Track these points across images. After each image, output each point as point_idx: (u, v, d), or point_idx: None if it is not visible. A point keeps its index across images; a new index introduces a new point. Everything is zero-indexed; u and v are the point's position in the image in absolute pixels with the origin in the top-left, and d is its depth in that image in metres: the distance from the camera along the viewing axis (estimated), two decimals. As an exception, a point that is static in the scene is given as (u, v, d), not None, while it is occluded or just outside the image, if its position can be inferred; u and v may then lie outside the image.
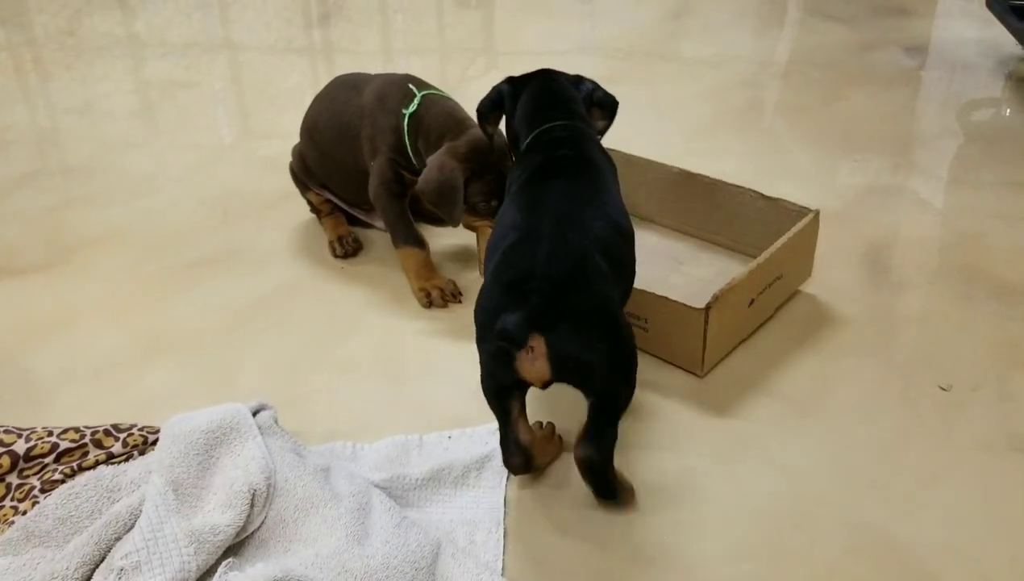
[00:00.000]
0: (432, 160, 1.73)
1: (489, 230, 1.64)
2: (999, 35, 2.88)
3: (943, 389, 1.56)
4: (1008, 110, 2.63)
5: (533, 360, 1.20)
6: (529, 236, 1.29)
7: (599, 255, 1.29)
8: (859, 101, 2.63)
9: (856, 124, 2.50)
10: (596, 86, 1.63)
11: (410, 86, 1.83)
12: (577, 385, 1.27)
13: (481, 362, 1.29)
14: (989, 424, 1.50)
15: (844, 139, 2.42)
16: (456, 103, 1.85)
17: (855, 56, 2.92)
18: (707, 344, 1.55)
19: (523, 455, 1.33)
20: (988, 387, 1.57)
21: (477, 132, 1.74)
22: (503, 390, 1.29)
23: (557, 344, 1.20)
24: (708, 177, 1.88)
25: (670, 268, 1.87)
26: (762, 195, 1.81)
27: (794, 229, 1.68)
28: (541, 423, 1.46)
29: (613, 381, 1.27)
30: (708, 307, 1.51)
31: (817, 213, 1.73)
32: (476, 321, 1.28)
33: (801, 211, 1.74)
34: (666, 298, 1.56)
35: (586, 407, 1.29)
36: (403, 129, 1.79)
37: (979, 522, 1.33)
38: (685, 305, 1.54)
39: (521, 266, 1.24)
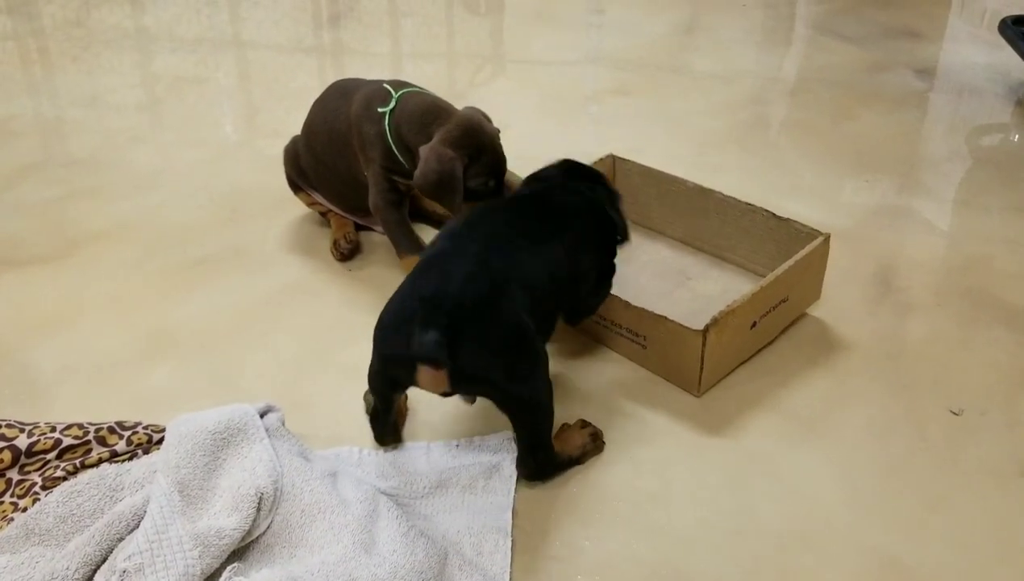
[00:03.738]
0: (426, 151, 1.67)
1: None
2: (1008, 60, 2.89)
3: (954, 413, 1.56)
4: (1017, 136, 2.63)
5: (434, 374, 1.26)
6: (456, 251, 1.35)
7: (518, 286, 1.31)
8: (868, 121, 2.63)
9: (865, 144, 2.50)
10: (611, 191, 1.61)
11: (386, 87, 1.80)
12: (486, 396, 1.35)
13: (375, 362, 1.34)
14: (997, 449, 1.49)
15: (853, 159, 2.42)
16: (436, 96, 1.80)
17: (865, 76, 2.93)
18: (704, 365, 1.53)
19: (395, 435, 1.46)
20: (996, 412, 1.57)
21: (464, 114, 1.71)
22: (395, 386, 1.38)
23: (460, 365, 1.24)
24: (721, 193, 1.88)
25: (677, 282, 1.87)
26: (774, 215, 1.80)
27: (802, 252, 1.66)
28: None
29: (517, 402, 1.33)
30: (707, 329, 1.49)
31: (827, 237, 1.71)
32: (381, 324, 1.31)
33: (811, 234, 1.73)
34: (665, 318, 1.54)
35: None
36: (385, 130, 1.75)
37: (986, 547, 1.32)
38: (683, 326, 1.52)
39: (438, 281, 1.29)
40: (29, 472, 1.30)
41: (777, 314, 1.67)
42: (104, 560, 1.16)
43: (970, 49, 3.16)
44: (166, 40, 3.26)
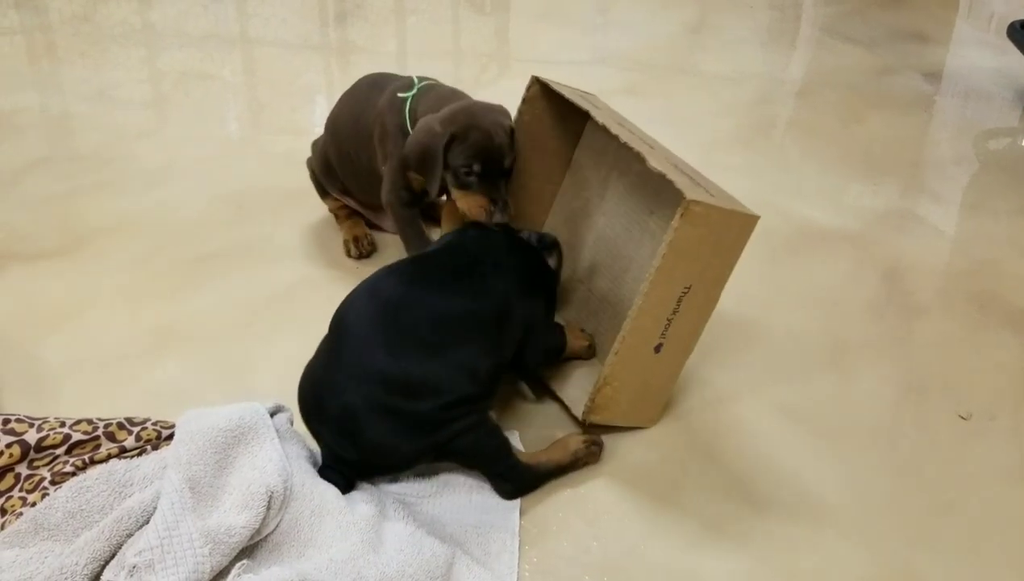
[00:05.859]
0: (420, 122, 1.67)
1: (458, 204, 1.64)
2: (1015, 64, 2.89)
3: (963, 417, 1.56)
4: (1024, 140, 2.64)
5: None
6: (339, 345, 1.37)
7: (394, 385, 1.30)
8: (875, 124, 2.63)
9: (872, 147, 2.50)
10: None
11: (413, 79, 1.81)
12: None
13: None
14: (1006, 453, 1.49)
15: (861, 161, 2.42)
16: (460, 90, 1.79)
17: (872, 79, 2.93)
18: (626, 420, 1.47)
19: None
20: (1005, 416, 1.57)
21: (473, 100, 1.70)
22: None
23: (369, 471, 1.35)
24: None
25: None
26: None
27: (668, 236, 1.31)
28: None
29: (456, 461, 1.37)
30: (587, 412, 1.43)
31: (688, 202, 1.30)
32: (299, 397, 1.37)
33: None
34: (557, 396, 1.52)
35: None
36: (405, 120, 1.75)
37: (995, 551, 1.32)
38: (571, 412, 1.47)
39: (325, 385, 1.33)
40: (38, 467, 1.29)
41: (683, 315, 1.40)
42: (113, 556, 1.15)
43: (977, 53, 3.16)
44: (173, 36, 3.26)
